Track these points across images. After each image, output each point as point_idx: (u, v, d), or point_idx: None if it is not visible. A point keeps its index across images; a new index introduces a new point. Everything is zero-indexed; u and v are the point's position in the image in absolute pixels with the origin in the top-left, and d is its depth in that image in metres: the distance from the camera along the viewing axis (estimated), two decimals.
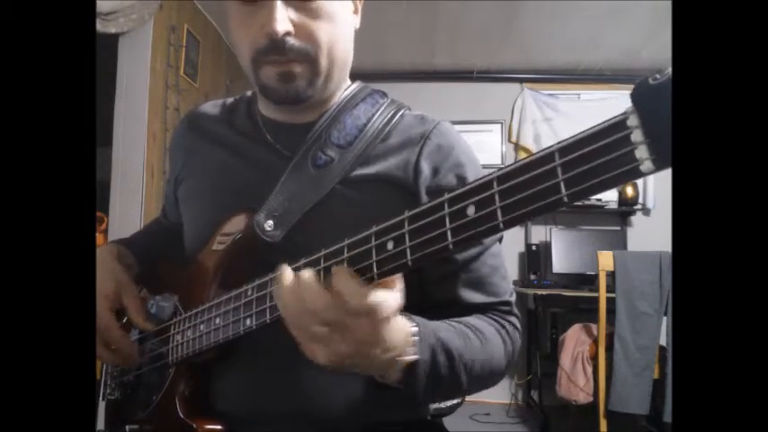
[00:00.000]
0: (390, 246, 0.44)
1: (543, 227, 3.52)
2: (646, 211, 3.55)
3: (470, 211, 0.39)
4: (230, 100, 0.84)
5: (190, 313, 0.68)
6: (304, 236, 0.65)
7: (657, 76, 0.31)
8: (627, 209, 3.48)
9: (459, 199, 0.40)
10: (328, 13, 0.66)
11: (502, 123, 3.73)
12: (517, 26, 3.04)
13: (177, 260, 0.78)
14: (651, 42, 3.13)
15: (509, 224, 0.37)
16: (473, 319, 0.66)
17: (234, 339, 0.61)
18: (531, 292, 3.07)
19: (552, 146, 0.35)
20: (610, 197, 3.48)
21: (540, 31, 3.09)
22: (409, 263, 0.43)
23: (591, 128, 0.34)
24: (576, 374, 2.47)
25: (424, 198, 0.68)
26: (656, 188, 3.47)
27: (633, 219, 3.58)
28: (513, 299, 0.72)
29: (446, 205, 0.41)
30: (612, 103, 3.51)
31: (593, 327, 2.48)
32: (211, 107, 0.84)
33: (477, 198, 0.39)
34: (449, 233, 0.40)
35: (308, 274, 0.48)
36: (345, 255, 0.47)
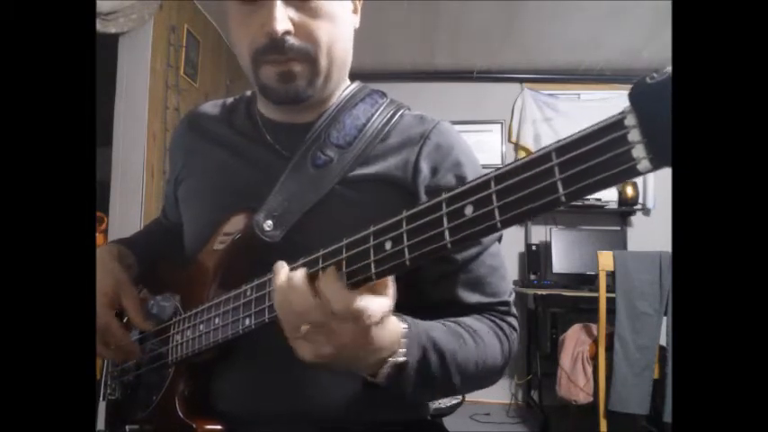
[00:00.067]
0: (388, 245, 0.44)
1: (543, 227, 3.52)
2: (646, 211, 3.54)
3: (468, 210, 0.39)
4: (230, 100, 0.84)
5: (189, 313, 0.68)
6: (303, 236, 0.65)
7: (655, 75, 0.31)
8: (627, 209, 3.48)
9: (457, 198, 0.40)
10: (328, 12, 0.66)
11: (502, 123, 3.73)
12: (517, 26, 3.04)
13: (177, 260, 0.78)
14: (651, 42, 3.13)
15: (506, 224, 0.38)
16: (469, 320, 0.66)
17: (233, 339, 0.61)
18: (531, 292, 3.07)
19: (549, 145, 0.36)
20: (610, 197, 3.48)
21: (540, 31, 3.09)
22: (407, 262, 0.43)
23: (588, 127, 0.34)
24: (576, 374, 2.47)
25: (424, 198, 0.68)
26: (656, 188, 3.47)
27: (633, 219, 3.58)
28: (511, 299, 0.72)
29: (444, 205, 0.41)
30: (613, 103, 3.51)
31: (593, 327, 2.48)
32: (211, 107, 0.84)
33: (474, 198, 0.39)
34: (446, 233, 0.40)
35: (298, 274, 0.48)
36: (344, 255, 0.48)
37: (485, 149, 3.66)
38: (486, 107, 3.73)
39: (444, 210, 0.41)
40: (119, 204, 2.34)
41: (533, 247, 3.47)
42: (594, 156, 0.33)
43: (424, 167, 0.69)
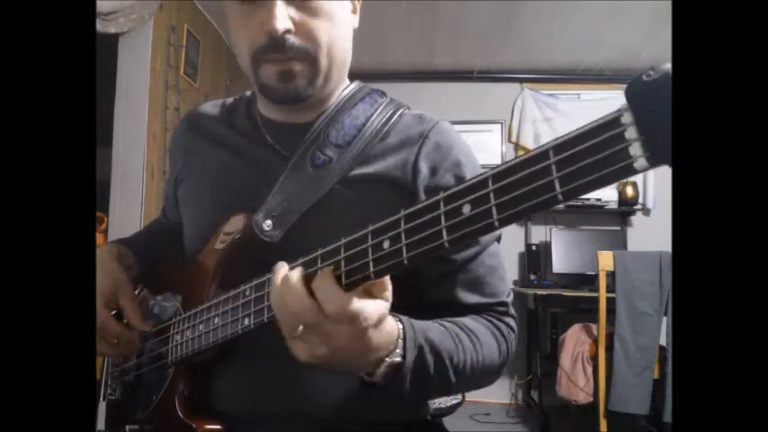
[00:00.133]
0: (386, 245, 0.44)
1: (543, 227, 3.52)
2: (646, 211, 3.54)
3: (466, 209, 0.39)
4: (230, 100, 0.84)
5: (189, 313, 0.68)
6: (303, 236, 0.65)
7: (651, 72, 0.31)
8: (627, 209, 3.48)
9: (455, 197, 0.40)
10: (328, 12, 0.66)
11: (502, 123, 3.73)
12: (517, 26, 3.04)
13: (177, 260, 0.78)
14: (651, 42, 3.13)
15: (504, 222, 0.38)
16: (467, 320, 0.66)
17: (233, 339, 0.61)
18: (531, 292, 3.07)
19: (547, 144, 0.36)
20: (610, 197, 3.48)
21: (540, 31, 3.09)
22: (405, 261, 0.43)
23: (585, 125, 0.34)
24: (576, 374, 2.47)
25: (423, 198, 0.68)
26: (656, 188, 3.47)
27: (633, 219, 3.58)
28: (509, 299, 0.72)
29: (441, 204, 0.41)
30: (612, 103, 3.45)
31: (593, 327, 2.48)
32: (211, 107, 0.84)
33: (472, 196, 0.39)
34: (444, 231, 0.40)
35: (294, 275, 0.49)
36: (342, 254, 0.48)
37: (485, 149, 3.66)
38: (486, 107, 3.73)
39: (442, 209, 0.41)
40: (119, 204, 2.34)
41: (533, 247, 3.47)
42: (591, 154, 0.33)
43: (424, 167, 0.69)
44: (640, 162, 0.31)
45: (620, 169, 0.32)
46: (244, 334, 0.60)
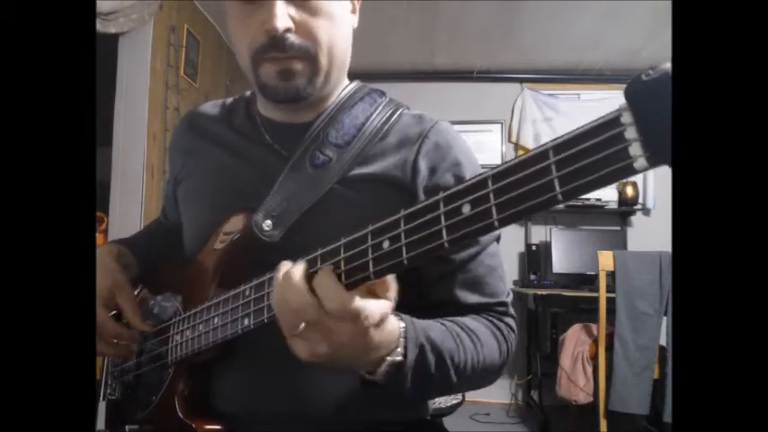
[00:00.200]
0: (386, 245, 0.44)
1: (543, 227, 3.52)
2: (646, 211, 3.54)
3: (465, 209, 0.39)
4: (230, 100, 0.84)
5: (189, 313, 0.68)
6: (302, 236, 0.65)
7: (650, 72, 0.31)
8: (627, 209, 3.48)
9: (455, 197, 0.40)
10: (328, 11, 0.66)
11: (502, 123, 3.73)
12: (517, 26, 3.04)
13: (177, 260, 0.78)
14: (651, 42, 3.13)
15: (504, 222, 0.38)
16: (467, 320, 0.66)
17: (233, 339, 0.61)
18: (531, 292, 3.07)
19: (546, 143, 0.36)
20: (610, 197, 3.48)
21: (540, 31, 3.09)
22: (405, 261, 0.43)
23: (585, 125, 0.34)
24: (576, 374, 2.47)
25: (422, 197, 0.68)
26: (656, 188, 3.47)
27: (633, 219, 3.58)
28: (509, 300, 0.72)
29: (441, 204, 0.41)
30: (613, 102, 3.41)
31: (593, 327, 2.48)
32: (211, 107, 0.84)
33: (472, 196, 0.39)
34: (444, 231, 0.40)
35: (296, 272, 0.48)
36: (342, 254, 0.48)
37: (485, 149, 3.66)
38: (486, 107, 3.73)
39: (442, 209, 0.41)
40: (119, 204, 2.34)
41: (533, 247, 3.47)
42: (591, 154, 0.33)
43: (423, 167, 0.69)
44: (640, 162, 0.31)
45: (620, 169, 0.32)
46: (244, 334, 0.60)
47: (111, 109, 2.34)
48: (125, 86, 2.37)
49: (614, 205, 3.47)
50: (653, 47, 3.18)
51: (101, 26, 2.04)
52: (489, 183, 0.38)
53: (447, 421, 0.87)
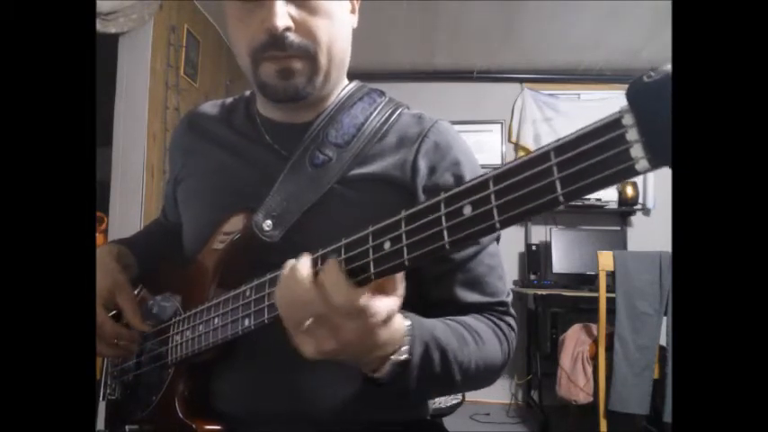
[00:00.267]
0: (387, 246, 0.44)
1: (543, 227, 3.52)
2: (646, 211, 3.54)
3: (467, 210, 0.39)
4: (229, 100, 0.84)
5: (189, 313, 0.68)
6: (303, 236, 0.65)
7: (652, 73, 0.31)
8: (627, 209, 3.48)
9: (456, 198, 0.40)
10: (327, 10, 0.66)
11: (502, 123, 3.73)
12: (517, 26, 3.04)
13: (177, 260, 0.78)
14: (651, 42, 3.13)
15: (505, 224, 0.38)
16: (469, 319, 0.66)
17: (233, 340, 0.61)
18: (531, 292, 3.07)
19: (548, 145, 0.36)
20: (610, 197, 3.48)
21: (540, 31, 3.09)
22: (406, 262, 0.43)
23: (586, 126, 0.34)
24: (576, 374, 2.47)
25: (422, 197, 0.68)
26: (656, 188, 3.47)
27: (633, 219, 3.58)
28: (509, 299, 0.72)
29: (442, 205, 0.41)
30: (613, 103, 3.44)
31: (593, 327, 2.48)
32: (211, 107, 0.84)
33: (473, 198, 0.39)
34: (445, 233, 0.40)
35: (302, 266, 0.48)
36: (343, 255, 0.47)
37: (485, 149, 3.66)
38: (486, 107, 3.73)
39: (443, 210, 0.41)
40: (119, 204, 2.34)
41: (533, 247, 3.47)
42: (593, 155, 0.33)
43: (422, 166, 0.69)
44: (642, 164, 0.31)
45: (622, 171, 0.32)
46: (244, 334, 0.60)
47: (111, 109, 2.34)
48: (125, 86, 2.37)
49: (614, 205, 3.47)
50: (653, 47, 3.18)
51: (101, 26, 2.04)
52: (491, 184, 0.38)
53: (447, 421, 0.87)
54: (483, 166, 0.69)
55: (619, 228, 3.54)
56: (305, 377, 0.65)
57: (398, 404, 0.69)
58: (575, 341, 2.54)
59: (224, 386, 0.69)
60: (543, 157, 0.35)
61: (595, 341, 2.42)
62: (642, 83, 0.31)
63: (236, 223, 0.68)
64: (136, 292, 0.81)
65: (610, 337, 2.19)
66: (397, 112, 0.74)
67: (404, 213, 0.44)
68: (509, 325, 0.70)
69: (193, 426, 0.66)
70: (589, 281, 3.07)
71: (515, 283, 3.61)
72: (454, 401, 1.83)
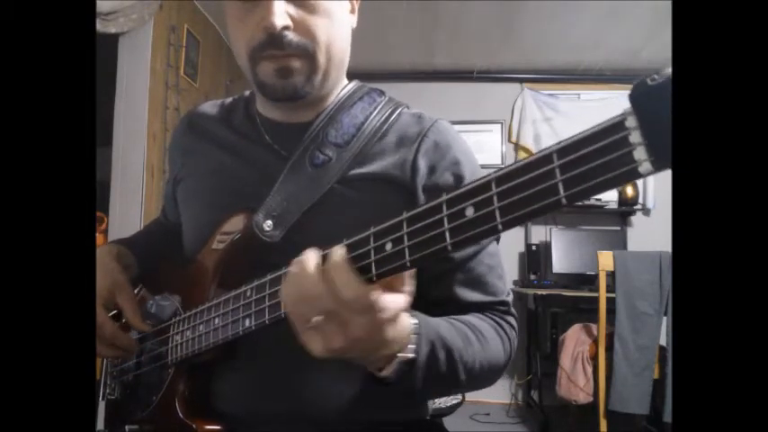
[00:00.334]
0: (389, 247, 0.44)
1: (543, 227, 3.52)
2: (646, 211, 3.55)
3: (469, 212, 0.39)
4: (229, 100, 0.84)
5: (189, 313, 0.68)
6: (303, 236, 0.65)
7: (656, 76, 0.31)
8: (627, 209, 3.48)
9: (458, 200, 0.40)
10: (326, 10, 0.66)
11: (502, 123, 3.73)
12: (517, 26, 3.04)
13: (177, 260, 0.78)
14: (651, 42, 3.13)
15: (508, 225, 0.37)
16: (472, 318, 0.66)
17: (233, 340, 0.61)
18: (531, 292, 3.07)
19: (551, 147, 0.35)
20: (610, 197, 3.48)
21: (540, 31, 3.09)
22: (408, 264, 0.43)
23: (589, 129, 0.34)
24: (576, 374, 2.47)
25: (422, 196, 0.68)
26: (656, 188, 3.47)
27: (633, 219, 3.58)
28: (510, 299, 0.72)
29: (444, 206, 0.41)
30: (613, 102, 3.51)
31: (593, 327, 2.48)
32: (210, 107, 0.84)
33: (475, 199, 0.39)
34: (447, 234, 0.40)
35: (312, 260, 0.47)
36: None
37: (485, 149, 3.66)
38: (486, 107, 3.73)
39: (445, 211, 0.41)
40: (119, 204, 2.34)
41: (533, 247, 3.47)
42: (596, 157, 0.33)
43: (422, 166, 0.69)
44: (645, 166, 0.31)
45: (625, 173, 0.32)
46: (244, 335, 0.60)
47: (111, 109, 2.34)
48: (125, 86, 2.37)
49: (614, 205, 3.47)
50: (653, 47, 3.18)
51: (101, 26, 2.04)
52: (493, 186, 0.38)
53: (447, 421, 0.87)
54: (483, 166, 0.69)
55: (619, 228, 3.54)
56: (305, 377, 0.65)
57: (399, 404, 0.69)
58: (575, 341, 2.54)
59: (224, 386, 0.69)
60: (546, 158, 0.35)
61: (595, 341, 2.42)
62: (646, 85, 0.31)
63: (236, 223, 0.68)
64: (135, 292, 0.81)
65: (610, 337, 2.19)
66: (397, 111, 0.74)
67: (406, 215, 0.44)
68: (510, 324, 0.70)
69: (193, 426, 0.66)
70: (589, 281, 3.07)
71: (515, 283, 3.61)
72: (454, 401, 1.83)
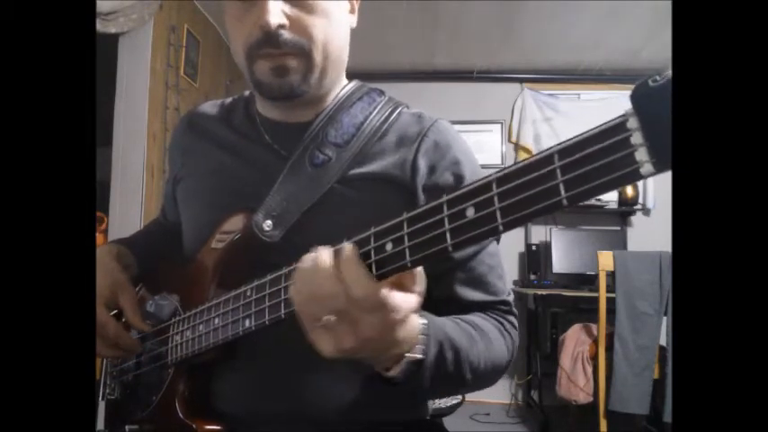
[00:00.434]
0: (389, 247, 0.44)
1: (543, 227, 3.52)
2: (646, 211, 3.55)
3: (470, 212, 0.39)
4: (229, 100, 0.84)
5: (189, 314, 0.68)
6: (303, 236, 0.64)
7: (657, 77, 0.31)
8: (627, 209, 3.48)
9: (459, 200, 0.40)
10: (323, 9, 0.66)
11: (502, 123, 3.73)
12: (517, 26, 3.04)
13: (177, 260, 0.78)
14: (651, 42, 3.13)
15: (508, 226, 0.37)
16: (476, 318, 0.66)
17: (233, 340, 0.61)
18: (531, 292, 3.07)
19: (552, 147, 0.35)
20: (610, 197, 3.48)
21: (540, 31, 3.09)
22: (408, 264, 0.43)
23: (590, 130, 0.34)
24: (576, 374, 2.47)
25: (422, 196, 0.68)
26: (656, 188, 3.47)
27: (633, 219, 3.58)
28: (511, 298, 0.72)
29: (445, 207, 0.41)
30: (613, 102, 3.51)
31: (593, 327, 2.48)
32: (210, 107, 0.84)
33: (476, 200, 0.39)
34: (448, 234, 0.40)
35: (326, 256, 0.46)
36: None
37: (485, 149, 3.66)
38: (486, 107, 3.73)
39: (446, 212, 0.41)
40: (119, 204, 2.34)
41: (533, 247, 3.47)
42: (597, 158, 0.33)
43: (422, 166, 0.69)
44: (646, 167, 0.31)
45: (627, 175, 0.32)
46: (245, 335, 0.60)
47: (111, 109, 2.34)
48: (125, 86, 2.37)
49: (614, 205, 3.47)
50: (653, 47, 3.18)
51: (101, 26, 2.04)
52: (494, 186, 0.38)
53: (447, 421, 0.87)
54: (483, 167, 0.69)
55: (619, 228, 3.54)
56: (305, 377, 0.65)
57: (399, 404, 0.69)
58: (575, 341, 2.54)
59: (224, 386, 0.69)
60: (547, 159, 0.35)
61: (595, 341, 2.42)
62: (647, 87, 0.31)
63: (235, 223, 0.68)
64: (135, 291, 0.81)
65: (610, 337, 2.19)
66: (397, 111, 0.74)
67: (406, 215, 0.43)
68: (512, 324, 0.70)
69: (193, 426, 0.66)
70: (589, 281, 3.07)
71: (515, 283, 3.61)
72: (454, 401, 1.83)
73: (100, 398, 0.84)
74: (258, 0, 0.64)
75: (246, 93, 0.83)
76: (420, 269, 0.46)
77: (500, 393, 3.43)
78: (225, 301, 0.62)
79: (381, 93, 0.77)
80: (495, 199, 0.38)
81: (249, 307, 0.58)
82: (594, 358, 2.39)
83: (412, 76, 3.71)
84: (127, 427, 0.73)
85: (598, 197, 2.71)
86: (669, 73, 0.31)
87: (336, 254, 0.47)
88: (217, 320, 0.63)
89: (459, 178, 0.70)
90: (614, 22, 2.93)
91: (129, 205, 2.33)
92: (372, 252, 0.45)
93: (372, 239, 0.45)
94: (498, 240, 0.73)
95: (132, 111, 2.35)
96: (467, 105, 3.70)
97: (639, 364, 2.12)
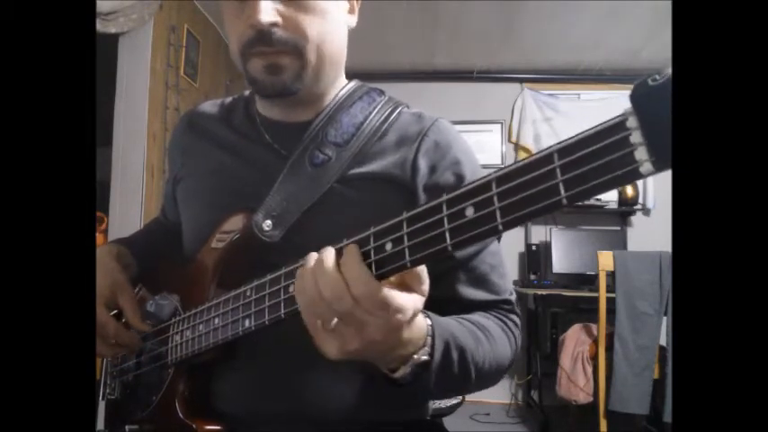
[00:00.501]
0: (389, 247, 0.44)
1: (543, 227, 3.52)
2: (646, 211, 3.55)
3: (469, 212, 0.39)
4: (229, 99, 0.84)
5: (189, 313, 0.68)
6: (303, 236, 0.65)
7: (657, 77, 0.31)
8: (627, 209, 3.48)
9: (458, 200, 0.40)
10: (319, 8, 0.66)
11: (502, 123, 3.73)
12: (517, 26, 3.04)
13: (177, 260, 0.78)
14: (651, 42, 3.13)
15: (508, 225, 0.37)
16: (479, 317, 0.66)
17: (233, 340, 0.61)
18: (531, 292, 3.07)
19: (551, 147, 0.35)
20: (610, 197, 3.48)
21: (540, 31, 3.09)
22: (408, 264, 0.43)
23: (590, 129, 0.34)
24: (576, 374, 2.47)
25: (422, 196, 0.68)
26: (656, 188, 3.47)
27: (633, 219, 3.58)
28: (513, 298, 0.72)
29: (445, 206, 0.41)
30: (613, 102, 3.51)
31: (593, 327, 2.48)
32: (210, 106, 0.84)
33: (476, 199, 0.39)
34: (447, 234, 0.40)
35: (330, 257, 0.46)
36: None
37: (485, 149, 3.66)
38: (486, 107, 3.73)
39: (445, 211, 0.41)
40: (119, 204, 2.34)
41: (533, 247, 3.47)
42: (597, 158, 0.33)
43: (422, 165, 0.69)
44: (646, 167, 0.31)
45: (626, 174, 0.32)
46: (245, 335, 0.60)
47: (111, 109, 2.34)
48: (125, 86, 2.37)
49: (614, 205, 3.47)
50: (653, 47, 3.18)
51: (101, 26, 2.04)
52: (493, 186, 0.38)
53: (447, 421, 0.87)
54: (483, 166, 0.69)
55: (619, 228, 3.54)
56: (305, 377, 0.65)
57: (399, 404, 0.69)
58: (575, 341, 2.54)
59: (224, 386, 0.69)
60: (547, 159, 0.35)
61: (595, 341, 2.42)
62: (647, 86, 0.31)
63: (235, 223, 0.68)
64: (135, 292, 0.81)
65: (610, 337, 2.19)
66: (397, 110, 0.74)
67: (406, 215, 0.43)
68: (515, 323, 0.70)
69: (193, 426, 0.66)
70: (589, 281, 3.07)
71: (515, 283, 3.60)
72: (454, 401, 1.83)
73: (100, 398, 0.84)
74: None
75: (246, 92, 0.83)
76: (423, 268, 0.46)
77: (500, 393, 3.43)
78: (225, 301, 0.62)
79: (381, 92, 0.77)
80: (495, 198, 0.38)
81: (249, 307, 0.58)
82: (594, 358, 2.39)
83: (412, 76, 3.71)
84: (127, 427, 0.73)
85: (598, 197, 2.72)
86: (669, 72, 0.31)
87: (338, 253, 0.47)
88: (217, 320, 0.63)
89: (459, 178, 0.70)
90: (614, 22, 2.93)
91: (129, 205, 2.33)
92: (372, 252, 0.45)
93: (372, 239, 0.45)
94: (499, 239, 0.73)
95: (132, 111, 2.35)
96: (467, 105, 3.70)
97: (639, 364, 2.12)
